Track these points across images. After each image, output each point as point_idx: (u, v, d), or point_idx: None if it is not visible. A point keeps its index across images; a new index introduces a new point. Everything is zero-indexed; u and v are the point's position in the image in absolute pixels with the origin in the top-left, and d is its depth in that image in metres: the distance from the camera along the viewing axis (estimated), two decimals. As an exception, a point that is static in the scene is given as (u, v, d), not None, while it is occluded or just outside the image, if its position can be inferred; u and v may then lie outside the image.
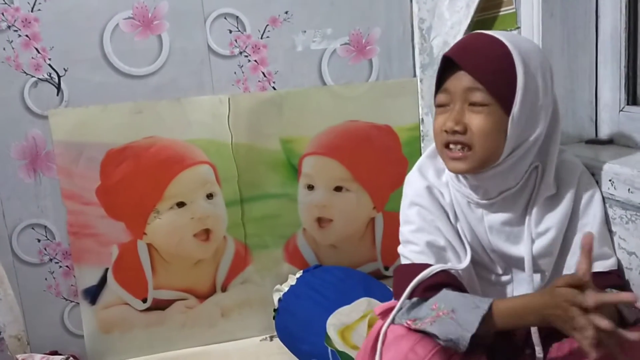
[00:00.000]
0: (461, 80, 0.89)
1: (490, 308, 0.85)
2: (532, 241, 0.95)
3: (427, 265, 0.95)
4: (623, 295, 0.76)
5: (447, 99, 0.92)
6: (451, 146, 0.91)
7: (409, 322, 0.92)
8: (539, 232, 0.94)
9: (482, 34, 0.92)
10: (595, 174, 1.00)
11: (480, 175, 0.93)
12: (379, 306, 1.02)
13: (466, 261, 0.97)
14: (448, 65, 0.91)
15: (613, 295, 0.77)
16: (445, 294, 0.91)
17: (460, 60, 0.88)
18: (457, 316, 0.86)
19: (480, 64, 0.88)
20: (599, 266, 0.92)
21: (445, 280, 0.94)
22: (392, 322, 0.95)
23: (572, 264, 0.93)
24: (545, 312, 0.80)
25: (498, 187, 0.94)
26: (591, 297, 0.75)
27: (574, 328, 0.75)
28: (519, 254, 0.96)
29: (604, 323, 0.72)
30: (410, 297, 0.94)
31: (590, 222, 0.94)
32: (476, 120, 0.88)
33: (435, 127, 0.94)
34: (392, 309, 0.96)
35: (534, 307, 0.82)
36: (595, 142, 1.21)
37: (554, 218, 0.94)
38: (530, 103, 0.89)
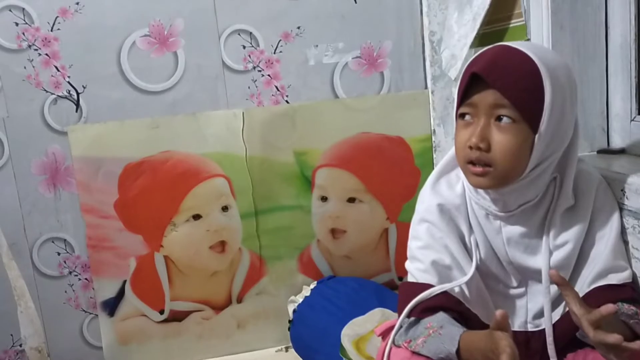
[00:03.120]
0: (488, 96, 0.87)
1: (463, 333, 0.86)
2: (550, 253, 0.94)
3: (429, 286, 0.95)
4: (604, 309, 0.75)
5: (472, 112, 0.90)
6: (473, 162, 0.90)
7: (404, 344, 0.93)
8: (556, 244, 0.94)
9: (509, 47, 0.89)
10: (607, 184, 1.00)
11: (500, 190, 0.92)
12: (379, 327, 1.03)
13: (470, 273, 0.96)
14: (474, 78, 0.89)
15: (596, 312, 0.76)
16: (441, 315, 0.92)
17: (490, 78, 0.86)
18: (444, 331, 0.87)
19: (509, 82, 0.85)
20: (613, 279, 0.90)
21: (445, 304, 0.94)
22: (393, 342, 0.96)
23: (586, 276, 0.92)
24: (485, 354, 0.80)
25: (518, 200, 0.93)
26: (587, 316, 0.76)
27: None
28: (537, 265, 0.95)
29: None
30: (409, 316, 0.95)
31: (607, 233, 0.93)
32: (501, 138, 0.86)
33: (458, 141, 0.92)
34: (391, 328, 0.97)
35: (480, 347, 0.82)
36: (607, 152, 1.21)
37: (572, 230, 0.93)
38: (557, 120, 0.87)
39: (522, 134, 0.86)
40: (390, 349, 0.96)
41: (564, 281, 0.80)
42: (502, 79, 0.85)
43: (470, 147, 0.88)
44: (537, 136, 0.86)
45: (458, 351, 0.84)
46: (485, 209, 0.96)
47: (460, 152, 0.91)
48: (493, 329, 0.79)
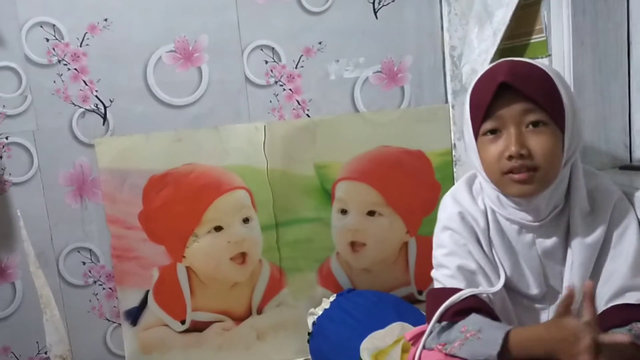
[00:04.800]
0: (515, 105, 0.90)
1: (510, 331, 0.86)
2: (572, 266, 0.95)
3: (457, 290, 0.96)
4: (617, 337, 0.77)
5: (498, 126, 0.92)
6: (515, 171, 0.91)
7: (439, 347, 0.93)
8: (578, 260, 0.95)
9: (513, 61, 0.94)
10: (629, 200, 0.99)
11: (536, 197, 0.93)
12: (409, 331, 1.04)
13: (499, 284, 0.97)
14: (493, 93, 0.91)
15: (609, 337, 0.77)
16: (474, 317, 0.92)
17: (516, 83, 0.89)
18: (483, 335, 0.88)
19: (533, 86, 0.90)
20: (632, 298, 0.90)
21: (475, 305, 0.94)
22: (424, 347, 0.96)
23: (604, 294, 0.92)
24: (552, 345, 0.81)
25: (549, 205, 0.95)
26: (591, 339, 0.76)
27: None
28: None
29: None
30: (440, 320, 0.95)
31: (625, 250, 0.93)
32: (539, 142, 0.89)
33: (490, 155, 0.93)
34: (422, 333, 0.98)
35: (542, 338, 0.82)
36: (630, 167, 1.20)
37: (591, 245, 0.94)
38: (574, 118, 0.92)
39: (555, 135, 0.90)
40: (421, 352, 0.96)
41: (593, 296, 0.80)
42: (527, 86, 0.89)
43: (510, 157, 0.90)
44: (565, 134, 0.90)
45: (500, 354, 0.85)
46: (517, 222, 0.97)
47: (494, 166, 0.93)
48: (560, 313, 0.80)
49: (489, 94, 0.91)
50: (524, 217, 0.96)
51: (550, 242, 0.96)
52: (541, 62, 0.96)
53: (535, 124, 0.89)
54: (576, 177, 0.96)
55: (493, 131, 0.92)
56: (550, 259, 0.97)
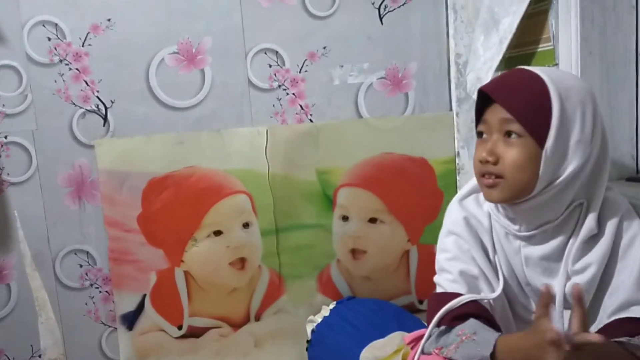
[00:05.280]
0: (497, 112, 0.91)
1: (498, 337, 0.86)
2: (568, 278, 0.93)
3: (458, 295, 0.96)
4: (591, 337, 0.75)
5: (485, 130, 0.95)
6: (485, 175, 0.94)
7: (435, 351, 0.94)
8: (575, 269, 0.93)
9: (522, 69, 0.94)
10: (635, 213, 0.98)
11: (516, 208, 0.94)
12: (408, 335, 1.04)
13: (497, 290, 0.97)
14: (488, 97, 0.93)
15: (581, 336, 0.75)
16: (471, 322, 0.92)
17: (494, 94, 0.92)
18: (478, 337, 0.88)
19: (513, 98, 0.90)
20: (635, 311, 0.88)
21: (475, 311, 0.94)
22: (422, 351, 0.96)
23: (608, 306, 0.91)
24: (529, 353, 0.80)
25: (536, 220, 0.94)
26: (564, 337, 0.74)
27: None
28: (554, 290, 0.94)
29: None
30: (439, 325, 0.95)
31: (630, 264, 0.91)
32: (509, 152, 0.90)
33: (475, 157, 0.97)
34: (421, 337, 0.98)
35: (521, 346, 0.82)
36: (636, 179, 1.19)
37: (593, 257, 0.92)
38: (565, 139, 0.89)
39: (528, 149, 0.89)
40: (419, 357, 0.96)
41: (581, 298, 0.78)
42: (507, 96, 0.90)
43: (481, 162, 0.93)
44: (543, 152, 0.89)
45: (493, 354, 0.85)
46: (504, 228, 0.98)
47: (475, 168, 0.96)
48: (538, 316, 0.79)
49: (479, 99, 0.95)
50: (509, 225, 0.97)
51: (537, 252, 0.95)
52: (559, 75, 0.91)
53: (509, 134, 0.90)
54: (594, 201, 0.92)
55: (482, 134, 0.96)
56: (533, 269, 0.97)
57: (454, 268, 0.99)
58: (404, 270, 1.73)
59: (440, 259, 1.03)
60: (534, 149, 0.89)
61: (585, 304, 0.78)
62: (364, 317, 1.55)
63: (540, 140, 0.88)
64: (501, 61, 1.39)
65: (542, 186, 0.90)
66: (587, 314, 0.79)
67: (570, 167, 0.90)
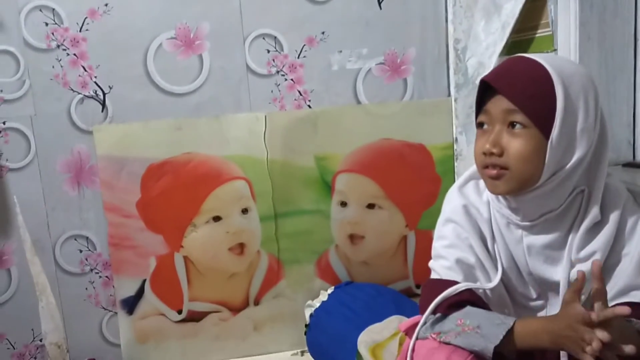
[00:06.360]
0: (500, 102, 0.89)
1: (513, 325, 0.87)
2: (572, 266, 0.93)
3: (454, 282, 0.95)
4: (617, 309, 0.78)
5: (487, 121, 0.92)
6: (489, 166, 0.92)
7: (433, 336, 0.93)
8: (579, 257, 0.93)
9: (523, 57, 0.92)
10: (634, 200, 0.99)
11: (520, 198, 0.92)
12: (403, 322, 1.03)
13: (495, 280, 0.97)
14: (488, 88, 0.92)
15: (610, 310, 0.78)
16: (470, 310, 0.92)
17: (498, 84, 0.89)
18: (482, 330, 0.88)
19: (517, 88, 0.88)
20: (635, 296, 0.89)
21: (470, 299, 0.94)
22: (417, 337, 0.96)
23: (608, 292, 0.90)
24: (559, 335, 0.81)
25: (539, 209, 0.93)
26: (595, 314, 0.77)
27: (584, 350, 0.78)
28: (556, 278, 0.95)
29: (603, 335, 0.76)
30: (434, 312, 0.95)
31: (632, 250, 0.92)
32: (514, 143, 0.88)
33: (475, 149, 0.95)
34: (416, 324, 0.97)
35: (549, 329, 0.83)
36: (633, 165, 1.20)
37: (597, 244, 0.92)
38: (570, 127, 0.88)
39: (534, 139, 0.88)
40: (415, 342, 0.96)
41: (601, 275, 0.81)
42: (511, 86, 0.88)
43: (484, 154, 0.91)
44: (549, 142, 0.87)
45: (498, 347, 0.85)
46: (506, 218, 0.97)
47: (477, 160, 0.95)
48: (567, 300, 0.81)
49: (478, 89, 0.93)
50: (510, 215, 0.96)
51: (540, 241, 0.95)
52: (559, 62, 0.90)
53: (513, 125, 0.89)
54: (596, 188, 0.92)
55: (482, 125, 0.94)
56: (536, 258, 0.96)
57: (450, 255, 0.99)
58: (401, 256, 1.74)
59: (438, 245, 1.03)
60: (539, 139, 0.87)
61: (602, 283, 0.80)
62: (362, 301, 1.56)
63: (545, 130, 0.87)
64: (504, 46, 1.39)
65: (547, 176, 0.89)
66: (606, 291, 0.81)
67: (575, 156, 0.89)
